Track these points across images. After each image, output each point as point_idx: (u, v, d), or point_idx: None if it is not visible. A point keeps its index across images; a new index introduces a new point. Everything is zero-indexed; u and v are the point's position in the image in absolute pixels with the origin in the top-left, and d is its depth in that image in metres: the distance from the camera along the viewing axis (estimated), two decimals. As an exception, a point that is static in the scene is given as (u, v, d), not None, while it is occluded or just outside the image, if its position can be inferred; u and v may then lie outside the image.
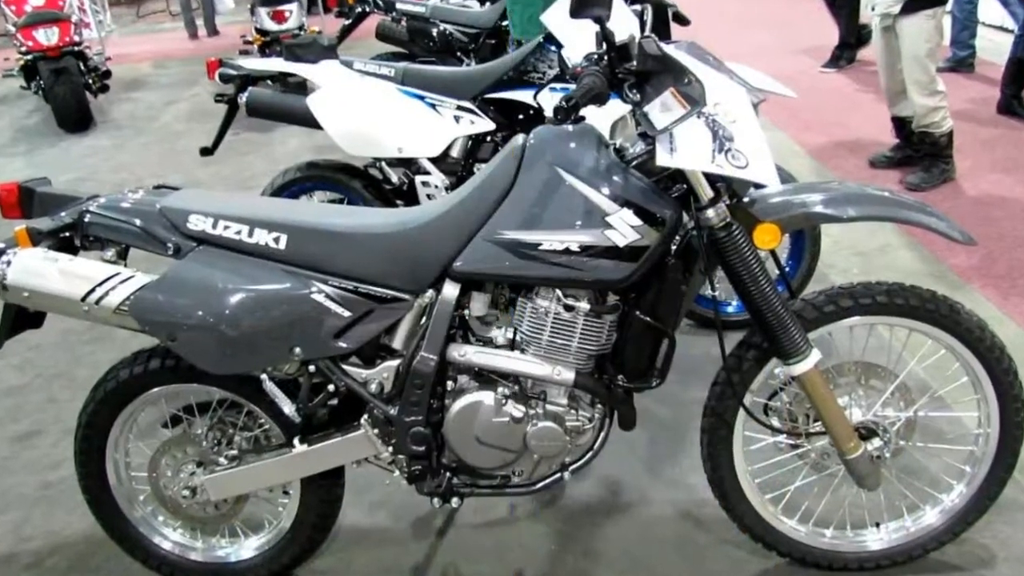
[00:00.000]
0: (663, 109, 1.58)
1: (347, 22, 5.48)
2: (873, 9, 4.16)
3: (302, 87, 3.32)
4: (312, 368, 1.85)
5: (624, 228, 1.68)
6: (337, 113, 3.05)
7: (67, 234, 1.85)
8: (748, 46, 7.25)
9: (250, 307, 1.75)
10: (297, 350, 1.79)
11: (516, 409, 1.83)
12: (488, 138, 3.17)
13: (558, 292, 1.78)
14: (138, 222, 1.82)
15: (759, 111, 1.76)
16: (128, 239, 1.84)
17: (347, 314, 1.78)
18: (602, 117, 2.61)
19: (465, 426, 1.86)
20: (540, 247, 1.70)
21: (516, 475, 1.94)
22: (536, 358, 1.82)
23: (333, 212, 1.91)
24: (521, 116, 3.16)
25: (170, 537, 2.15)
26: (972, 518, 2.03)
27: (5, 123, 6.96)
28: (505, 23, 4.25)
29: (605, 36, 1.63)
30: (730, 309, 3.03)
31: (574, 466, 1.93)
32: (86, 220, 1.84)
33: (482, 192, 1.76)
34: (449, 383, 1.88)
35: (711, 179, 1.70)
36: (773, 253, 1.91)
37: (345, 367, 1.86)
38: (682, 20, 3.33)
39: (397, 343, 1.85)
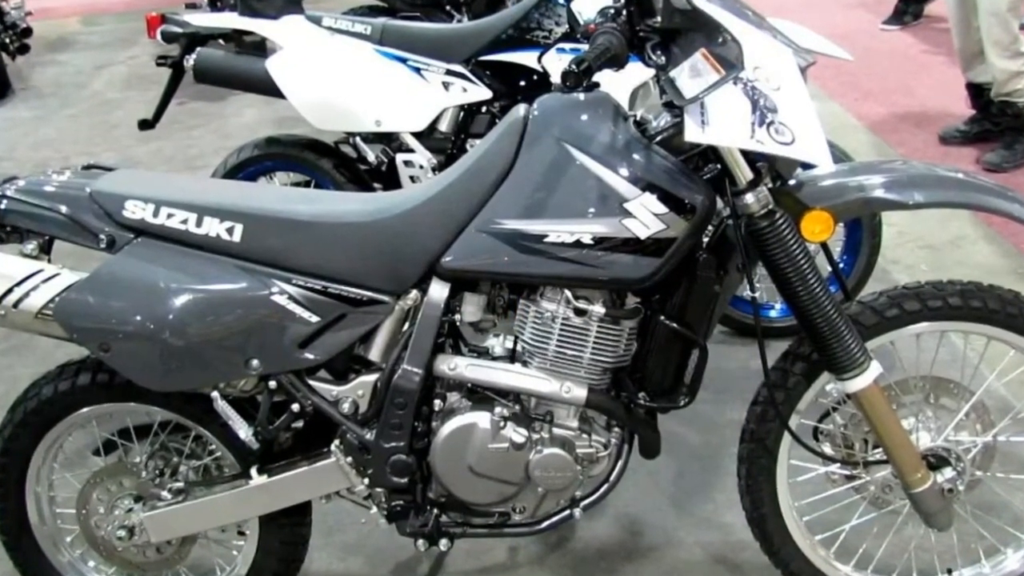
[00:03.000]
0: (693, 74, 1.58)
1: (314, -31, 5.48)
2: (944, -46, 4.17)
3: (260, 48, 3.33)
4: (273, 384, 1.85)
5: (646, 216, 1.68)
6: (302, 79, 3.06)
7: None
8: (795, -2, 7.26)
9: (198, 311, 1.76)
10: (255, 363, 1.79)
11: (517, 433, 1.83)
12: (483, 109, 3.17)
13: (567, 293, 1.78)
14: (64, 209, 1.82)
15: (808, 76, 1.76)
16: (52, 229, 1.84)
17: (314, 319, 1.78)
18: (620, 84, 2.61)
19: (456, 454, 1.86)
20: (546, 239, 1.70)
21: (517, 512, 1.94)
22: (541, 372, 1.82)
23: (298, 197, 1.91)
24: (523, 82, 3.16)
25: (103, 586, 2.16)
26: (1063, 564, 2.04)
27: (-95, 91, 6.97)
28: (504, -29, 4.26)
29: None
30: (773, 314, 3.03)
31: (586, 501, 1.93)
32: (2, 207, 1.84)
33: (476, 173, 1.76)
34: (437, 402, 1.88)
35: (750, 158, 1.70)
36: (825, 246, 1.92)
37: (312, 383, 1.86)
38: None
39: (374, 354, 1.85)
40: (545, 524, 1.95)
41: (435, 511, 1.94)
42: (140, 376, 1.80)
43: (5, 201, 1.84)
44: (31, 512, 2.04)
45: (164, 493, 1.98)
